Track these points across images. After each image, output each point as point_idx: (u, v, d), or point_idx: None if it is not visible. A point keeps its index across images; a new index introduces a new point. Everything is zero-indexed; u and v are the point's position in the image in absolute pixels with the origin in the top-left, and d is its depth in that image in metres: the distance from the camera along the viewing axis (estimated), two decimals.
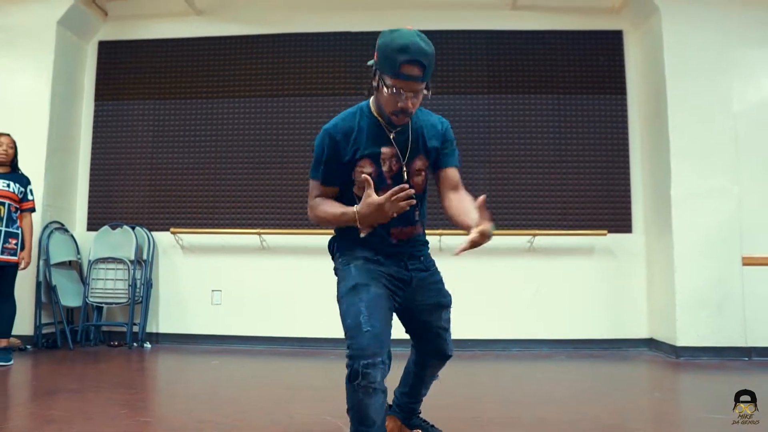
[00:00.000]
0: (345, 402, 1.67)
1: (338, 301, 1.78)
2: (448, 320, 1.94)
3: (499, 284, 4.77)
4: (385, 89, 1.65)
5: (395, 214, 1.63)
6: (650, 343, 4.68)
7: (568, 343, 4.68)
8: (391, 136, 1.77)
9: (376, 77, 1.69)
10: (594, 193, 4.81)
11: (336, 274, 1.87)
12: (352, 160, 1.76)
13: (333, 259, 1.91)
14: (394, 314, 1.83)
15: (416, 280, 1.85)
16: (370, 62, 1.73)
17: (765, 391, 3.40)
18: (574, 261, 4.77)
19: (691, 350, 4.25)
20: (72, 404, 2.82)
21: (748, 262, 4.31)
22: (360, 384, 1.58)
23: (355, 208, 1.68)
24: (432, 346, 1.93)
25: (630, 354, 4.55)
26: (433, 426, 2.08)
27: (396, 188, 1.58)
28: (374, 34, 5.23)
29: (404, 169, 1.79)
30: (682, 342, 4.26)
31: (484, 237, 1.53)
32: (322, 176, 1.79)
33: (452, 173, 1.86)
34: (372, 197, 1.63)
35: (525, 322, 4.73)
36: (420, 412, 2.12)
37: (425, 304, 1.88)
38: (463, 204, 1.78)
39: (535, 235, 4.70)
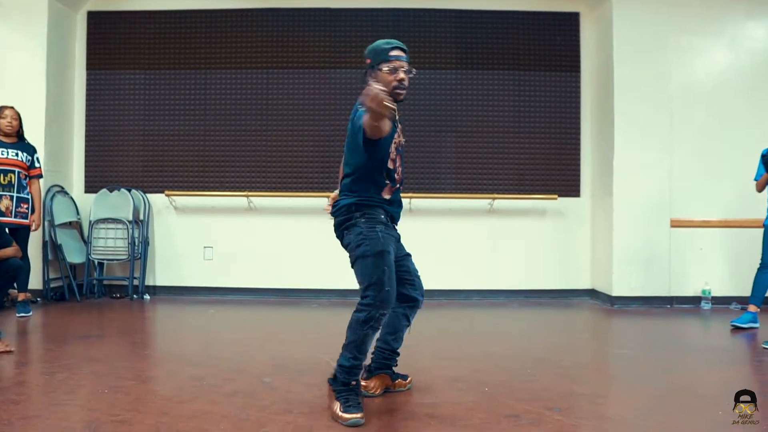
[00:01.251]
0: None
1: (363, 255, 2.20)
2: None
3: (464, 241, 5.38)
4: (384, 70, 2.20)
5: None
6: (592, 294, 5.39)
7: (521, 293, 5.36)
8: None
9: (373, 74, 2.22)
10: (548, 162, 5.39)
11: (351, 230, 2.26)
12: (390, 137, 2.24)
13: (350, 219, 2.26)
14: None
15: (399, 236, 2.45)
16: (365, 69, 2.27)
17: (683, 332, 4.21)
18: (529, 221, 5.40)
19: (624, 299, 4.97)
20: (101, 347, 3.35)
21: (675, 224, 5.01)
22: (372, 325, 2.17)
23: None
24: (415, 287, 2.46)
25: (573, 302, 5.26)
26: (406, 376, 2.62)
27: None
28: (351, 11, 5.61)
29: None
30: (616, 292, 4.98)
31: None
32: None
33: None
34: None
35: (485, 274, 5.38)
36: (397, 364, 2.60)
37: (402, 254, 2.44)
38: None
39: (495, 198, 5.28)
